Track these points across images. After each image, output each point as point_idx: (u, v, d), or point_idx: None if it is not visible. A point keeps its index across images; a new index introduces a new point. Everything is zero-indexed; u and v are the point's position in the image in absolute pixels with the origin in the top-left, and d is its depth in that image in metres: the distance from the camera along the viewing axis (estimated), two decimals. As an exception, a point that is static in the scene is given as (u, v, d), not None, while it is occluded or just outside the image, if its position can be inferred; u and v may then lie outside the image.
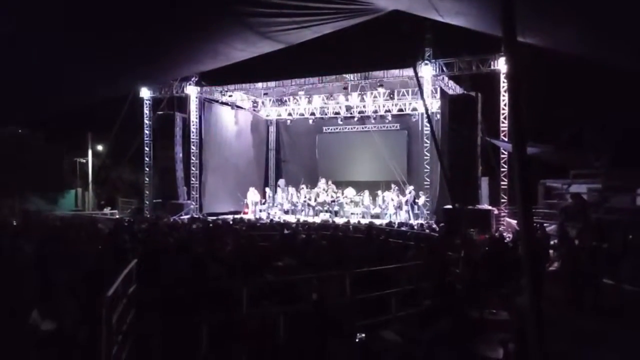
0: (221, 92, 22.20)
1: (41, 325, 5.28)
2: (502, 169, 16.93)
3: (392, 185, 20.30)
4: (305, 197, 21.86)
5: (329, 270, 7.15)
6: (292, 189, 22.68)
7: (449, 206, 15.56)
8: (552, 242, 10.87)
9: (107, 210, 24.85)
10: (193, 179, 21.94)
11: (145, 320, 5.28)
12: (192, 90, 21.65)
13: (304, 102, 23.05)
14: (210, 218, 18.16)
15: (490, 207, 16.65)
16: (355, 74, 19.68)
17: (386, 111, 22.22)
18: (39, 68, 12.10)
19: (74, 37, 10.72)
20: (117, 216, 22.09)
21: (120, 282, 4.74)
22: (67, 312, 5.47)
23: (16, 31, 9.74)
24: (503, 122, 16.73)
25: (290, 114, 24.77)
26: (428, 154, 17.82)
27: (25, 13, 9.06)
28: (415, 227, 15.67)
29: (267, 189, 23.93)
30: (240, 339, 5.35)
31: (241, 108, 24.08)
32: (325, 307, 5.53)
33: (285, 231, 12.84)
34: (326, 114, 23.59)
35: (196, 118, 21.90)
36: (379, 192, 20.63)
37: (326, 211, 20.90)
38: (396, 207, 19.47)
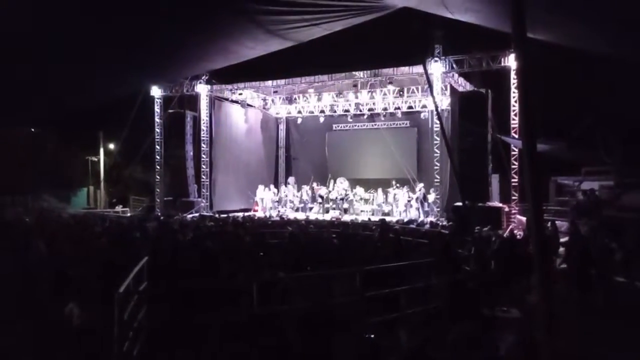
0: (231, 90, 22.30)
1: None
2: (513, 166, 16.82)
3: (397, 183, 20.29)
4: (314, 194, 21.88)
5: (339, 267, 7.15)
6: (302, 187, 22.71)
7: (459, 203, 15.48)
8: (563, 240, 10.78)
9: (118, 208, 25.08)
10: (203, 177, 22.01)
11: (156, 316, 5.32)
12: (202, 89, 21.72)
13: (313, 100, 23.14)
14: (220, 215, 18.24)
15: (500, 205, 16.54)
16: (365, 72, 19.68)
17: (396, 108, 22.22)
18: (50, 68, 12.21)
19: (84, 36, 10.80)
20: (129, 214, 22.28)
21: (132, 278, 4.80)
22: (78, 308, 5.54)
23: (30, 30, 9.85)
24: (513, 119, 16.64)
25: (300, 112, 24.83)
26: (438, 151, 17.75)
27: (39, 12, 9.14)
28: (426, 224, 15.61)
29: (277, 187, 23.97)
30: (250, 336, 5.37)
31: (251, 106, 24.12)
32: (333, 305, 5.53)
33: (289, 228, 12.70)
34: (336, 112, 23.59)
35: (206, 116, 21.97)
36: (389, 190, 20.59)
37: (336, 208, 20.91)
38: (406, 205, 19.42)
